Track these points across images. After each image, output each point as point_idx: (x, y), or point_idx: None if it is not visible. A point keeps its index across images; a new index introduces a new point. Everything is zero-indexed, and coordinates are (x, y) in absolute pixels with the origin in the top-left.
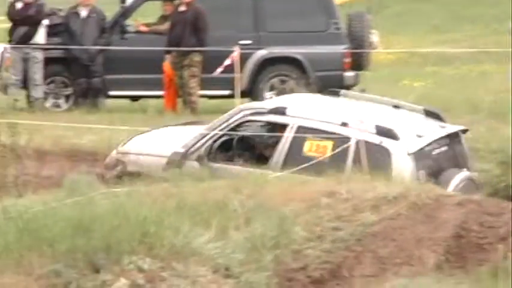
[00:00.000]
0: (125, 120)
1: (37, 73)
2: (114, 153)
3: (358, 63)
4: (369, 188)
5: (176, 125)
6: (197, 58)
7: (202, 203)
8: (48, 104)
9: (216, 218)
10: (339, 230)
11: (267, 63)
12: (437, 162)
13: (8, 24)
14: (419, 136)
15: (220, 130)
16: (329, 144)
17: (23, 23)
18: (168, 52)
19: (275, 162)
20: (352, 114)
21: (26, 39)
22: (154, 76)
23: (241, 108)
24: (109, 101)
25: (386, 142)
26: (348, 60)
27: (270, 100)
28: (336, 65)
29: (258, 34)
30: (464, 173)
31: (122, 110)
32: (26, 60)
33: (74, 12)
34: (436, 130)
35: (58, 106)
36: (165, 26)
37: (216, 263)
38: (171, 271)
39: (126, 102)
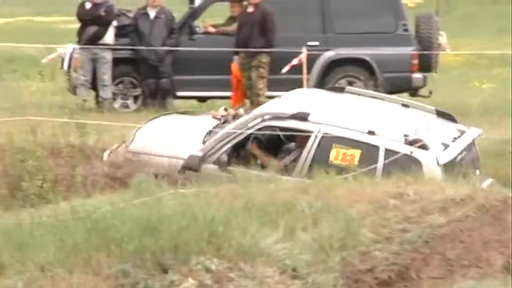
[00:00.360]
0: None
1: (106, 74)
2: (122, 150)
3: (426, 64)
4: (437, 189)
5: (180, 113)
6: (265, 59)
7: (270, 203)
8: (117, 104)
9: (284, 218)
10: (406, 231)
11: (334, 64)
12: (461, 168)
13: (78, 25)
14: (445, 144)
15: (240, 134)
16: (357, 152)
17: (92, 24)
18: (236, 53)
19: (300, 169)
20: (375, 119)
21: (95, 39)
22: (222, 77)
23: (261, 113)
24: (177, 102)
25: (416, 153)
26: (416, 61)
27: (285, 102)
28: (404, 66)
29: (325, 35)
30: (489, 180)
31: (190, 109)
32: (94, 61)
33: (142, 13)
34: (455, 134)
35: (126, 107)
36: (233, 27)
37: (283, 263)
38: (238, 272)
39: (194, 103)
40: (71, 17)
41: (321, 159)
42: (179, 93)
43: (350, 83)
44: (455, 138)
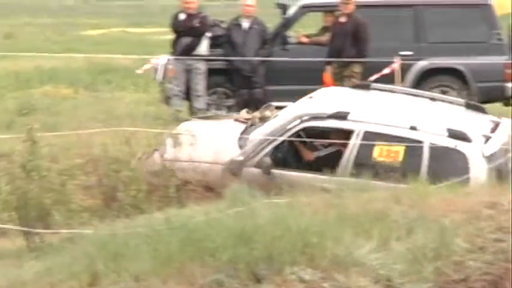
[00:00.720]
0: None
1: (200, 84)
2: (156, 158)
3: None
4: None
5: (201, 118)
6: (357, 69)
7: (363, 213)
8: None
9: (377, 228)
10: (500, 241)
11: (427, 74)
12: (498, 160)
13: (172, 36)
14: (485, 136)
15: (280, 137)
16: (401, 149)
17: (186, 34)
18: (329, 63)
19: (343, 168)
20: (411, 114)
21: (189, 50)
22: (314, 87)
23: (299, 115)
24: None
25: (461, 146)
26: (509, 71)
27: (316, 102)
28: (497, 76)
29: (418, 45)
30: None
31: None
32: (188, 72)
33: (236, 24)
34: (490, 125)
35: None
36: (326, 37)
37: (377, 273)
38: (332, 282)
39: None
40: (164, 28)
41: (364, 157)
42: (272, 103)
43: (443, 93)
44: (492, 130)
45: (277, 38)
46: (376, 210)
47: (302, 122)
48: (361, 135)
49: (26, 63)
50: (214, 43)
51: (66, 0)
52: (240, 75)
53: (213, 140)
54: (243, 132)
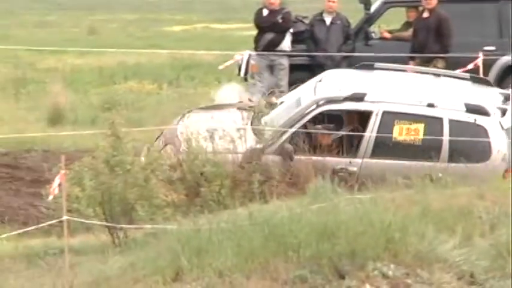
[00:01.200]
0: None
1: (283, 80)
2: (170, 152)
3: None
4: None
5: (203, 109)
6: (440, 65)
7: (446, 209)
8: None
9: (461, 224)
10: None
11: (511, 69)
12: None
13: (254, 32)
14: (501, 108)
15: (299, 123)
16: (420, 126)
17: (269, 30)
18: (412, 58)
19: (363, 149)
20: (424, 91)
21: (272, 46)
22: None
23: (316, 100)
24: None
25: (480, 120)
26: None
27: (326, 85)
28: None
29: (502, 40)
30: None
31: None
32: (271, 67)
33: (318, 19)
34: (501, 98)
35: None
36: (409, 32)
37: (460, 269)
38: (415, 278)
39: None
40: (247, 24)
41: (384, 137)
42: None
43: None
44: (504, 102)
45: (360, 33)
46: (460, 206)
47: (318, 106)
48: (379, 116)
49: (110, 59)
50: (297, 39)
51: None
52: (323, 71)
53: (225, 129)
54: (252, 120)
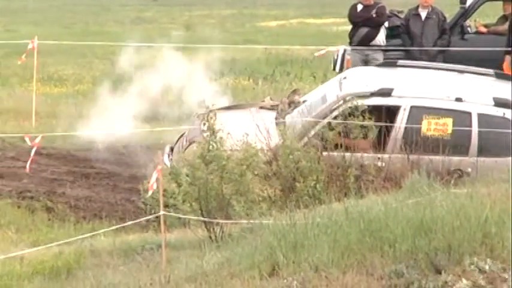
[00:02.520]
0: None
1: None
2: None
3: None
4: None
5: (225, 109)
6: None
7: None
8: None
9: None
10: None
11: None
12: None
13: (349, 27)
14: None
15: (327, 119)
16: (449, 121)
17: (364, 25)
18: (508, 52)
19: (393, 144)
20: (455, 87)
21: (367, 41)
22: None
23: (343, 95)
24: None
25: (508, 113)
26: None
27: (351, 81)
28: None
29: None
30: None
31: None
32: (366, 62)
33: (414, 14)
34: None
35: None
36: (505, 26)
37: None
38: None
39: None
40: (342, 19)
41: (412, 132)
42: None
43: None
44: None
45: (455, 27)
46: None
47: (345, 102)
48: (407, 110)
49: (206, 54)
50: (392, 33)
51: None
52: None
53: (249, 127)
54: (278, 118)
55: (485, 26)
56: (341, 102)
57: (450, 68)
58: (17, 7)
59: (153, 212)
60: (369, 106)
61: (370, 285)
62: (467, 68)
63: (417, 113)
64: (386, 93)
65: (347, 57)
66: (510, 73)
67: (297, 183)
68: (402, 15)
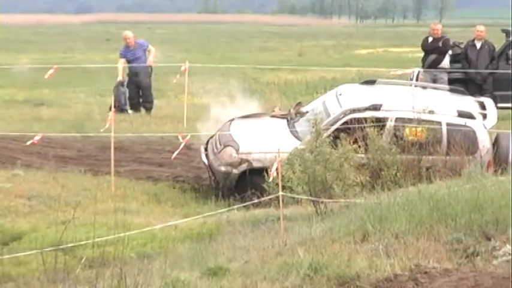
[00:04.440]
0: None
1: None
2: (232, 152)
3: None
4: None
5: (243, 117)
6: None
7: None
8: None
9: None
10: None
11: None
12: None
13: (421, 54)
14: (482, 113)
15: (332, 128)
16: (425, 129)
17: (433, 53)
18: None
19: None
20: (426, 102)
21: (435, 64)
22: None
23: (344, 110)
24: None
25: (469, 122)
26: None
27: (344, 98)
28: None
29: None
30: None
31: (506, 117)
32: (434, 81)
33: (471, 45)
34: (477, 104)
35: None
36: None
37: None
38: None
39: (509, 112)
40: (416, 48)
41: (397, 137)
42: (499, 105)
43: None
44: (482, 107)
45: (502, 55)
46: None
47: (345, 115)
48: (393, 121)
49: (313, 74)
50: (455, 59)
51: (344, 27)
52: (474, 83)
53: (271, 132)
54: (289, 125)
55: None
56: (342, 115)
57: (415, 84)
58: (173, 38)
59: (274, 192)
60: (362, 118)
61: (437, 249)
62: (428, 85)
63: (401, 122)
64: (377, 107)
65: (420, 77)
66: None
67: (382, 172)
68: (462, 45)
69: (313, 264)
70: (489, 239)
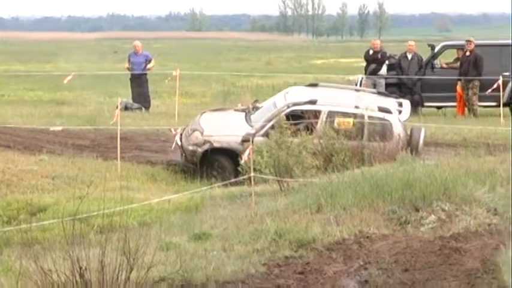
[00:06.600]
0: (435, 120)
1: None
2: (198, 135)
3: None
4: None
5: (212, 110)
6: (476, 83)
7: (480, 169)
8: None
9: (489, 179)
10: None
11: None
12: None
13: (364, 63)
14: (398, 109)
15: (277, 117)
16: (351, 120)
17: (373, 63)
18: (459, 80)
19: (318, 133)
20: (354, 99)
21: (375, 72)
22: (451, 94)
23: (287, 103)
24: (424, 109)
25: (386, 116)
26: None
27: (292, 95)
28: None
29: None
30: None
31: (431, 114)
32: (374, 85)
33: (404, 56)
34: (397, 103)
35: None
36: (457, 64)
37: (488, 206)
38: (461, 211)
39: (434, 110)
40: (360, 59)
41: (329, 126)
42: (426, 104)
43: None
44: (400, 105)
45: (428, 64)
46: (489, 168)
47: (288, 107)
48: (326, 113)
49: (279, 80)
50: (390, 68)
51: (303, 42)
52: (406, 87)
53: (231, 121)
54: (246, 116)
55: (446, 63)
56: (286, 107)
57: (350, 88)
58: (167, 51)
59: (246, 173)
60: (302, 111)
61: (376, 218)
62: (360, 88)
63: (332, 115)
64: (313, 102)
65: (363, 82)
66: (460, 92)
67: (333, 157)
68: (396, 57)
69: (278, 231)
70: (418, 211)
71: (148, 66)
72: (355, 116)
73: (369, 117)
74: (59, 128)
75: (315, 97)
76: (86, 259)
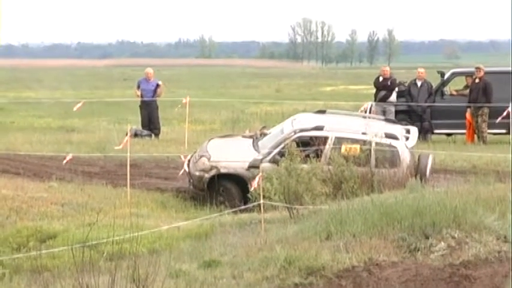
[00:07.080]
0: (444, 148)
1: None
2: (205, 161)
3: None
4: None
5: (220, 137)
6: (486, 110)
7: (490, 196)
8: None
9: (499, 206)
10: None
11: None
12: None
13: (373, 90)
14: (406, 136)
15: (284, 143)
16: (358, 147)
17: (382, 89)
18: (469, 106)
19: (324, 159)
20: (361, 126)
21: (384, 99)
22: (460, 121)
23: (294, 129)
24: (434, 136)
25: (393, 142)
26: None
27: (299, 122)
28: None
29: None
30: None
31: (441, 141)
32: (384, 112)
33: (413, 83)
34: (404, 130)
35: None
36: (467, 91)
37: (498, 233)
38: (471, 238)
39: (443, 137)
40: (370, 86)
41: (335, 152)
42: (435, 131)
43: None
44: (407, 132)
45: (438, 91)
46: (498, 195)
47: (295, 133)
48: (333, 139)
49: (288, 107)
50: (400, 94)
51: (313, 69)
52: (415, 114)
53: (238, 148)
54: (253, 143)
55: (456, 90)
56: (292, 133)
57: (358, 115)
58: (176, 78)
59: (256, 200)
60: (309, 137)
61: (386, 246)
62: (369, 115)
63: (339, 141)
64: (320, 128)
65: (373, 109)
66: (470, 118)
67: (342, 184)
68: (406, 84)
69: (287, 258)
70: (427, 238)
71: (158, 90)
72: (362, 142)
73: (376, 143)
74: (69, 157)
75: (322, 123)
76: (96, 286)
